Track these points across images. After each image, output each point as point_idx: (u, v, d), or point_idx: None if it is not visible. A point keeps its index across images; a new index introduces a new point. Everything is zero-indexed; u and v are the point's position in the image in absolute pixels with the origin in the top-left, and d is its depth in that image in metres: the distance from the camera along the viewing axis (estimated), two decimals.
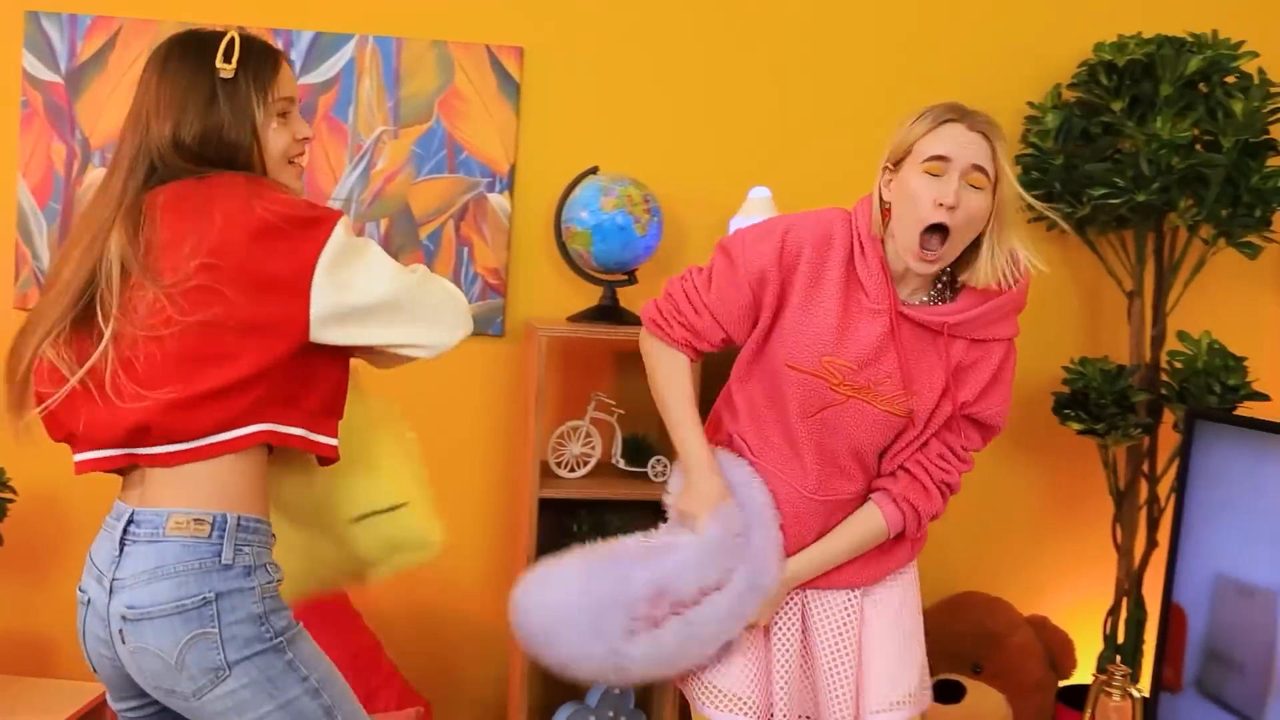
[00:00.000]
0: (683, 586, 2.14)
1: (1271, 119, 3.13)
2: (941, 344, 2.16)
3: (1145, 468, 3.36)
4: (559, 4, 3.32)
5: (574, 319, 3.20)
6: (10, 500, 3.05)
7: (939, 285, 2.19)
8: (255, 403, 1.81)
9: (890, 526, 2.24)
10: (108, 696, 1.98)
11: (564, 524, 3.20)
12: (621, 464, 3.23)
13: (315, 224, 1.83)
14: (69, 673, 3.30)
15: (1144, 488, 3.38)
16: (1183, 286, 3.33)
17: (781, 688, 2.25)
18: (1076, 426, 3.23)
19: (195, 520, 1.81)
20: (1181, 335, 3.26)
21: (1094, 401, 3.22)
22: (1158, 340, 3.34)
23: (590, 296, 3.31)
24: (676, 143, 3.38)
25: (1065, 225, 2.57)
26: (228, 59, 1.89)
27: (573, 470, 3.16)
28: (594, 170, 3.24)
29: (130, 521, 1.83)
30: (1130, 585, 3.34)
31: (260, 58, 1.93)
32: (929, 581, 3.21)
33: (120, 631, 1.82)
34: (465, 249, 3.30)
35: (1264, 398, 3.12)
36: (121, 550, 1.83)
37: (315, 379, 1.87)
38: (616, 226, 3.10)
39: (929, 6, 3.42)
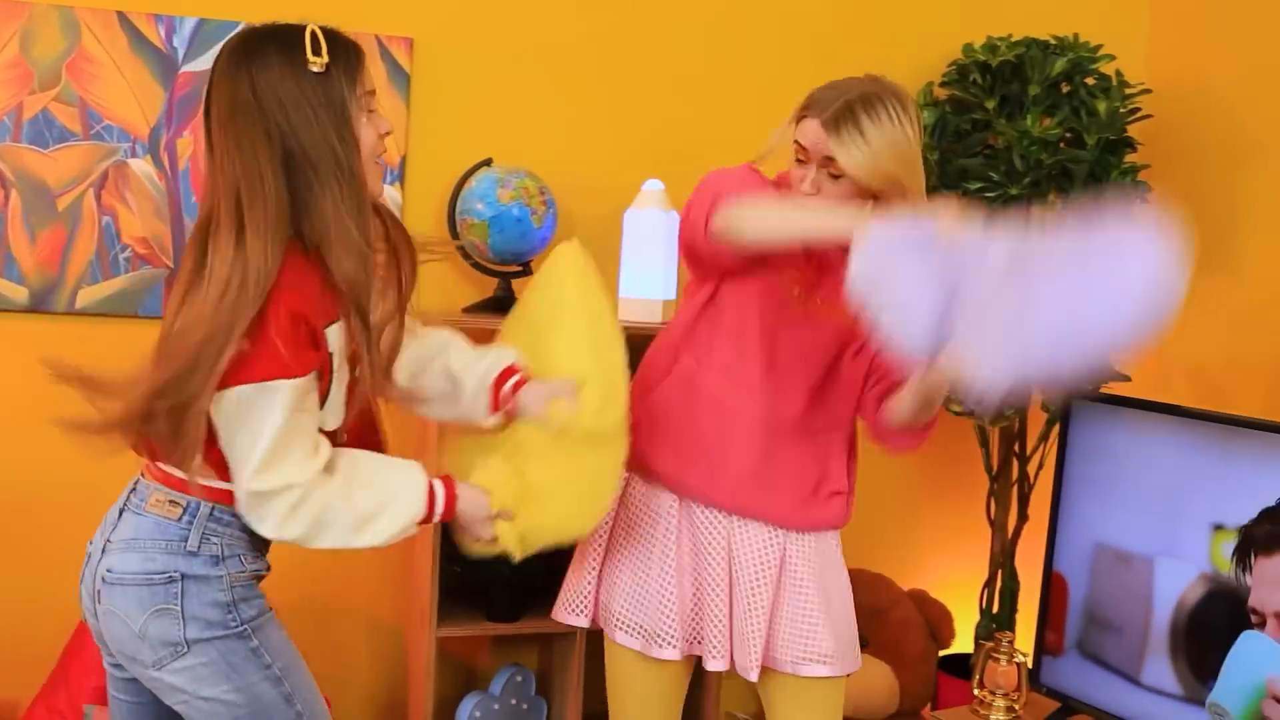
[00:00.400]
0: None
1: (1129, 118, 3.36)
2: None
3: (1016, 447, 3.56)
4: None
5: (470, 310, 3.21)
6: None
7: None
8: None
9: None
10: (103, 657, 2.01)
11: None
12: None
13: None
14: None
15: (1015, 466, 3.58)
16: None
17: (693, 612, 2.29)
18: (955, 408, 3.39)
19: (170, 501, 1.87)
20: None
21: None
22: None
23: (482, 288, 3.31)
24: (570, 135, 3.40)
25: None
26: (316, 52, 1.83)
27: None
28: (488, 162, 3.25)
29: (133, 490, 1.93)
30: (1004, 558, 3.54)
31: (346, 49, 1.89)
32: None
33: (99, 592, 1.89)
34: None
35: (1125, 378, 3.34)
36: (120, 515, 1.92)
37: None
38: (514, 218, 3.12)
39: (809, 7, 3.54)
